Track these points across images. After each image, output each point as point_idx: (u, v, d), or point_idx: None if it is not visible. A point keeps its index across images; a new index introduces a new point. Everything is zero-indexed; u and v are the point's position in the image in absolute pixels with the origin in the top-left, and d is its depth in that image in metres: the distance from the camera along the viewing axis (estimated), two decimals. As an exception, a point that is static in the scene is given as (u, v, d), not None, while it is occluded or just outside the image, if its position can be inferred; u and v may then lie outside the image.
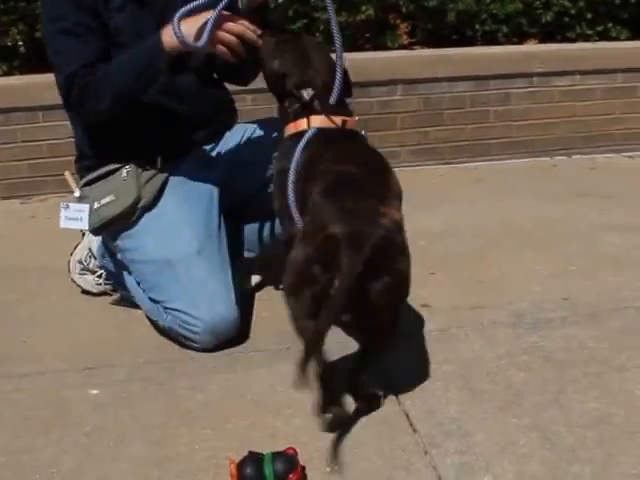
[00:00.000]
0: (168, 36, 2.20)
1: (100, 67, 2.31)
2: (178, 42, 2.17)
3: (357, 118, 2.31)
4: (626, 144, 4.77)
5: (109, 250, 2.65)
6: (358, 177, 2.03)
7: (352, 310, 1.84)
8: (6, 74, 4.09)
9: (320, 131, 2.16)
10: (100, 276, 2.80)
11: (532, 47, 4.79)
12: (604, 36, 4.90)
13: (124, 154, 2.49)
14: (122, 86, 2.30)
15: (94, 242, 2.78)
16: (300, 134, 2.17)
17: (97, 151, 2.53)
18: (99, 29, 2.35)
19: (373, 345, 2.02)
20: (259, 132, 2.67)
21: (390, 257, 1.86)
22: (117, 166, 2.50)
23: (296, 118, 2.21)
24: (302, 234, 1.95)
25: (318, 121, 2.17)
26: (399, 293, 1.93)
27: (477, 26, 4.70)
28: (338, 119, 2.19)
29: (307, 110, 2.18)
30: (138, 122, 2.41)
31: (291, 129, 2.22)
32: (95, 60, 2.32)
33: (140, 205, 2.46)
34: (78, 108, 2.39)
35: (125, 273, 2.56)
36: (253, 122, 2.74)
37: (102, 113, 2.34)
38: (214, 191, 2.57)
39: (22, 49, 4.09)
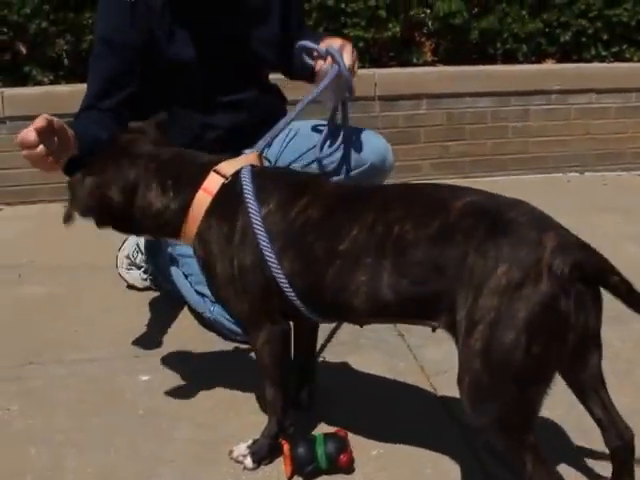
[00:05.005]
0: None
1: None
2: None
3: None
4: (636, 162, 4.88)
5: (156, 245, 2.75)
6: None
7: None
8: (52, 83, 4.21)
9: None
10: (146, 271, 2.92)
11: (551, 66, 4.91)
12: (618, 57, 5.03)
13: None
14: None
15: (142, 238, 2.88)
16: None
17: None
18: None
19: None
20: (301, 128, 2.67)
21: None
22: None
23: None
24: None
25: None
26: None
27: (498, 44, 4.82)
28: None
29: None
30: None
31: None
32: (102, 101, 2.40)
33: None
34: None
35: (172, 267, 2.67)
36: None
37: None
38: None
39: (66, 61, 4.23)
